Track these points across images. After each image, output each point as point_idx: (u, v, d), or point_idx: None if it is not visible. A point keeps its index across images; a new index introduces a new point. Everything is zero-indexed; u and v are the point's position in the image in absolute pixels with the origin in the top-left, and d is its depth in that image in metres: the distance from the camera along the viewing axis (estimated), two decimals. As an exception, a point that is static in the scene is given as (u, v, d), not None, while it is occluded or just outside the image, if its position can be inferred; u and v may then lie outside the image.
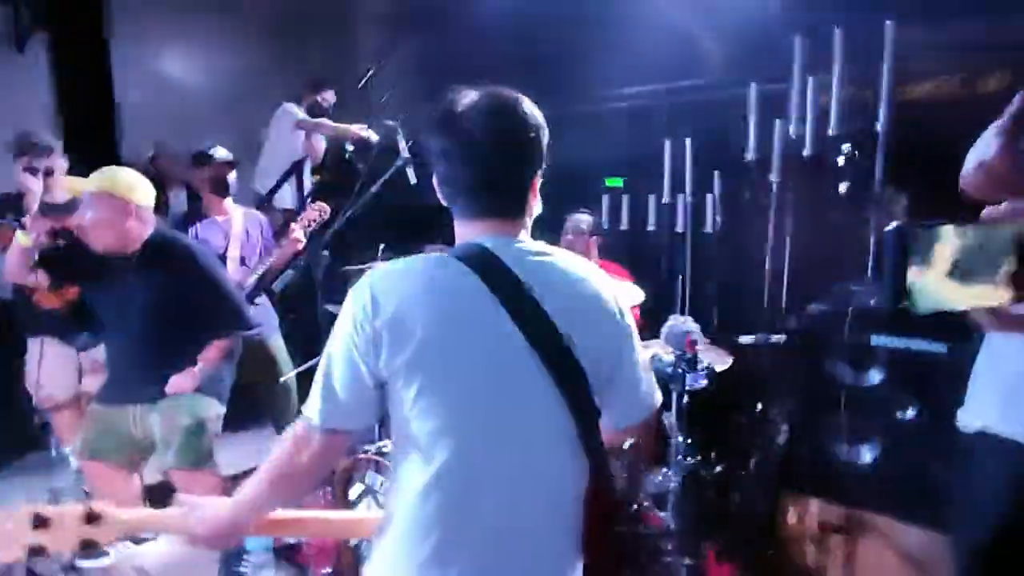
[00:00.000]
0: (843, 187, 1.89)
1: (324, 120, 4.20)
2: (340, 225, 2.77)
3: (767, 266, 3.06)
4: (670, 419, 2.15)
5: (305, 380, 3.33)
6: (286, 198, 4.37)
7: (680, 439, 1.97)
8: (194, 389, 2.32)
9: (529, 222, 1.09)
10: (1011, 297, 0.54)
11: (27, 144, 2.75)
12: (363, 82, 4.80)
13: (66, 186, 2.22)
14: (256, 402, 3.33)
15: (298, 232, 3.03)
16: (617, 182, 4.21)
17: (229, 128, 4.81)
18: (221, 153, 3.11)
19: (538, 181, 1.08)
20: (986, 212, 0.56)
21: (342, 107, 4.86)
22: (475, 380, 1.00)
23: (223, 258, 3.01)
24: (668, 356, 1.80)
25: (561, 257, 1.08)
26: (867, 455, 2.35)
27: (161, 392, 2.32)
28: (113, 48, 4.37)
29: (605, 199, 3.93)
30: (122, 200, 2.17)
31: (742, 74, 3.63)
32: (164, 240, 2.31)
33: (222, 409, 2.49)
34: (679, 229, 3.57)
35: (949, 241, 0.53)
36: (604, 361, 1.06)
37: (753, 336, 2.23)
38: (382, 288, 1.01)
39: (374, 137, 3.78)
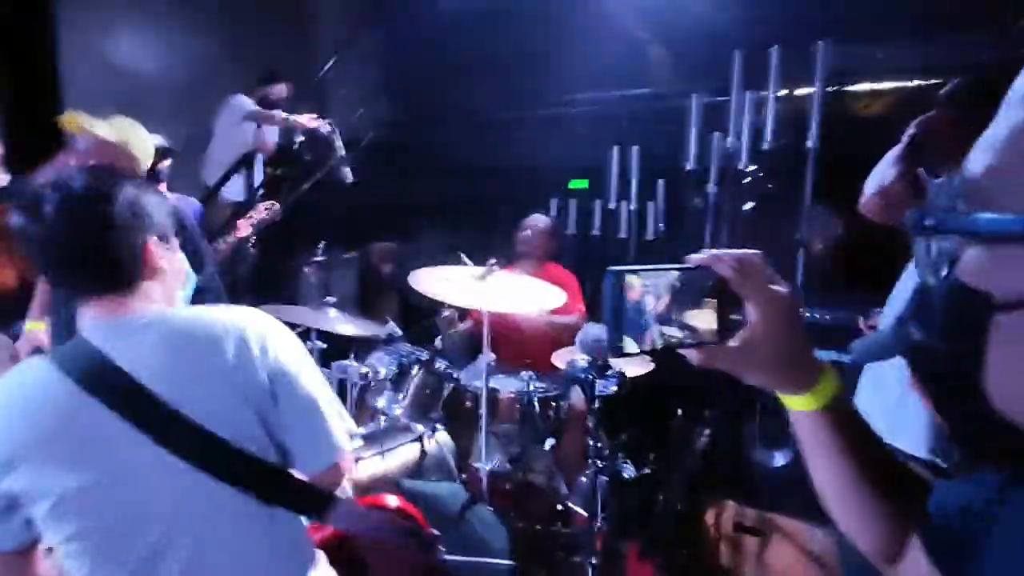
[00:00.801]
0: (748, 206, 1.96)
1: (274, 111, 4.14)
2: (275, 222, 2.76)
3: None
4: (592, 422, 2.20)
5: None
6: (235, 191, 4.32)
7: (591, 443, 2.03)
8: None
9: (152, 284, 1.05)
10: (712, 337, 0.59)
11: None
12: (320, 75, 4.77)
13: (69, 122, 1.99)
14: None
15: (244, 230, 2.98)
16: (582, 184, 4.25)
17: (180, 116, 4.71)
18: (155, 140, 3.05)
19: (149, 247, 1.04)
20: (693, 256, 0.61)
21: (299, 100, 4.82)
22: (99, 499, 0.94)
23: None
24: (582, 362, 1.86)
25: (174, 318, 1.04)
26: (780, 459, 2.44)
27: None
28: (59, 28, 4.25)
29: (553, 203, 3.98)
30: (131, 156, 2.04)
31: (690, 86, 3.73)
32: None
33: None
34: (622, 235, 3.64)
35: (659, 282, 0.57)
36: (250, 410, 1.00)
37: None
38: None
39: (325, 128, 3.74)
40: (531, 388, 2.46)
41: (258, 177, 4.45)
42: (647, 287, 0.54)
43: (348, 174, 2.39)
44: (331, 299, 2.78)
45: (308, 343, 2.90)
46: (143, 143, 2.10)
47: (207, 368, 0.99)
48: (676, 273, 0.56)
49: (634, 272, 0.54)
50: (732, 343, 0.58)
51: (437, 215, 4.76)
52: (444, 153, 4.85)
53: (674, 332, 0.56)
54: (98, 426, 0.94)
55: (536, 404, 2.46)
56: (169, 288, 1.09)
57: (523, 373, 2.54)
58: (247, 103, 4.20)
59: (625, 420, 2.68)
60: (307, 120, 3.92)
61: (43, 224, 0.99)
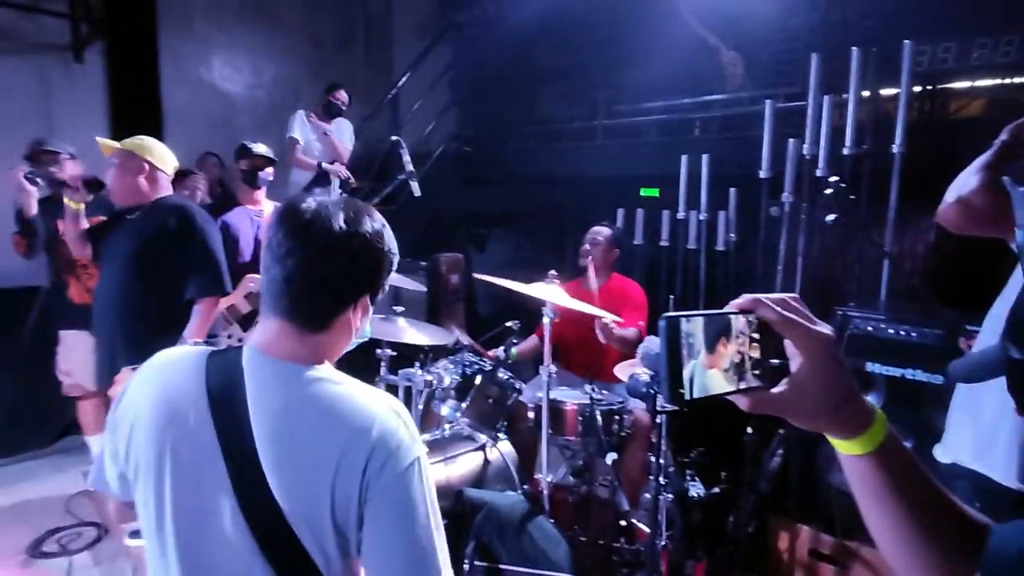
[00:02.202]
0: (830, 218, 1.86)
1: (307, 159, 4.32)
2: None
3: (778, 288, 3.02)
4: (656, 437, 2.15)
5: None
6: None
7: (655, 459, 1.98)
8: None
9: (336, 339, 0.99)
10: (759, 381, 0.58)
11: (38, 152, 3.03)
12: (393, 91, 4.95)
13: (102, 146, 2.43)
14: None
15: None
16: (652, 192, 4.19)
17: (267, 133, 5.04)
18: (260, 148, 3.25)
19: (364, 303, 1.00)
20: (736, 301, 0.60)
21: (374, 116, 5.03)
22: (168, 491, 0.94)
23: (256, 242, 3.14)
24: (644, 375, 1.82)
25: (318, 385, 0.93)
26: (860, 484, 2.29)
27: (102, 383, 2.42)
28: (162, 56, 4.64)
29: (620, 212, 3.94)
30: (138, 158, 2.39)
31: (763, 91, 3.61)
32: (170, 201, 2.45)
33: None
34: (691, 246, 3.55)
35: (707, 328, 0.56)
36: (328, 515, 0.88)
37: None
38: (136, 377, 1.02)
39: (343, 173, 3.99)
40: (593, 400, 2.43)
41: (334, 190, 4.65)
42: (697, 332, 0.54)
43: (415, 188, 2.46)
44: (399, 308, 2.87)
45: (378, 351, 3.00)
46: (155, 151, 2.44)
47: (317, 454, 0.90)
48: (722, 317, 0.56)
49: (687, 318, 0.54)
50: (779, 388, 0.57)
51: (505, 225, 4.82)
52: (513, 163, 4.91)
53: (724, 378, 0.55)
54: (196, 437, 0.93)
55: (599, 416, 2.43)
56: (342, 345, 1.03)
57: (586, 385, 2.52)
58: (304, 119, 4.40)
59: (693, 436, 2.61)
60: (338, 168, 4.18)
61: (294, 230, 0.94)
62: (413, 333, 2.79)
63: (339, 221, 0.95)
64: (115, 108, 4.50)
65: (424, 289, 3.19)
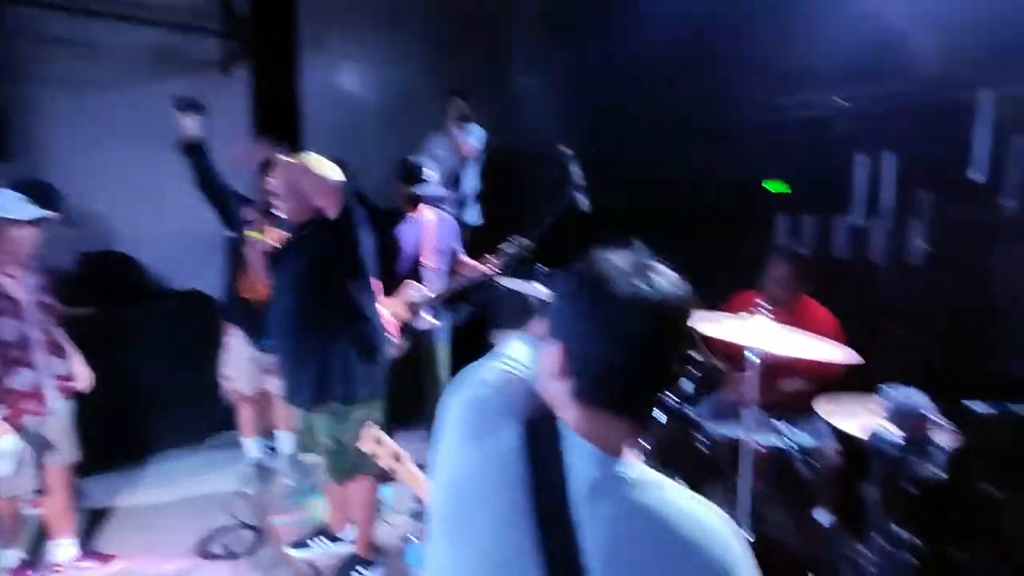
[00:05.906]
0: None
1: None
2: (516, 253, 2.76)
3: (997, 312, 2.57)
4: (870, 494, 1.81)
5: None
6: (473, 215, 4.62)
7: (895, 529, 1.67)
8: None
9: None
10: None
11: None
12: (514, 93, 4.80)
13: (278, 162, 2.48)
14: (416, 401, 3.45)
15: (491, 262, 3.08)
16: (781, 187, 3.79)
17: (391, 136, 5.11)
18: (430, 176, 3.33)
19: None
20: None
21: (496, 122, 4.92)
22: (469, 549, 0.86)
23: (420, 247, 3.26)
24: (892, 435, 1.51)
25: (662, 500, 0.80)
26: None
27: (307, 398, 2.45)
28: (300, 69, 4.76)
29: (782, 221, 3.54)
30: (310, 174, 2.34)
31: (962, 78, 3.10)
32: (336, 214, 2.38)
33: (374, 416, 2.47)
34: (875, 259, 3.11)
35: None
36: None
37: (992, 407, 1.83)
38: (449, 405, 0.98)
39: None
40: (788, 443, 2.13)
41: (469, 183, 4.57)
42: None
43: (585, 202, 2.28)
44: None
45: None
46: (323, 167, 2.36)
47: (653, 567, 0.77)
48: None
49: None
50: None
51: (644, 230, 4.49)
52: (646, 164, 4.61)
53: None
54: (509, 495, 0.83)
55: (796, 461, 2.14)
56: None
57: (776, 422, 2.22)
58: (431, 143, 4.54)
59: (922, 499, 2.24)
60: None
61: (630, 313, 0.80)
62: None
63: (673, 283, 0.83)
64: (258, 119, 4.66)
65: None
